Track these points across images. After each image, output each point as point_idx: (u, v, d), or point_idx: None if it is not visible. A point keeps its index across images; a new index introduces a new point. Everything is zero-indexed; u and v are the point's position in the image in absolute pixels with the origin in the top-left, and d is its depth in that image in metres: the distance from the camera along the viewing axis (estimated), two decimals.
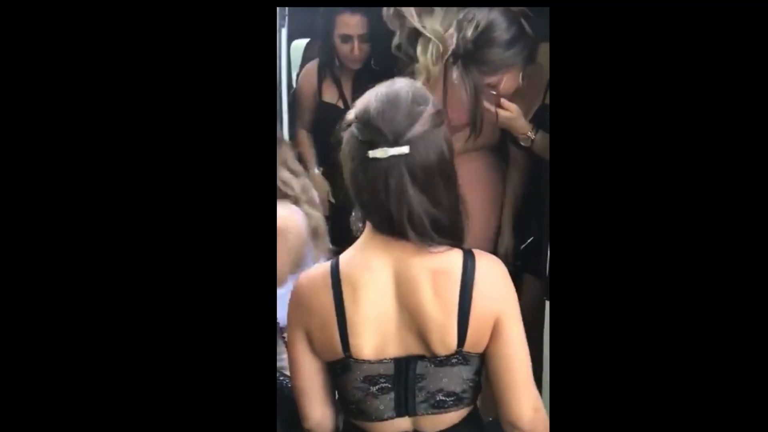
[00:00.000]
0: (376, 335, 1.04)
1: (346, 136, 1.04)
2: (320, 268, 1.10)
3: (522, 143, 1.78)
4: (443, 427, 1.07)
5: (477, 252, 1.05)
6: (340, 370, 1.07)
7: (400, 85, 1.03)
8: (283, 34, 2.30)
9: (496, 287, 1.03)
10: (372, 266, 1.05)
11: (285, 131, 2.29)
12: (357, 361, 1.04)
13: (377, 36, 2.17)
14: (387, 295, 1.04)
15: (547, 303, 1.57)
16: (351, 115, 1.04)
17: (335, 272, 1.06)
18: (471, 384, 1.06)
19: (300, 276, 1.12)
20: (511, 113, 1.72)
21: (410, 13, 1.96)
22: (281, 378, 1.36)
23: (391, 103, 1.00)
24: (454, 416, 1.07)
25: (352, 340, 1.04)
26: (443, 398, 1.05)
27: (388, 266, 1.04)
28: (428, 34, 1.93)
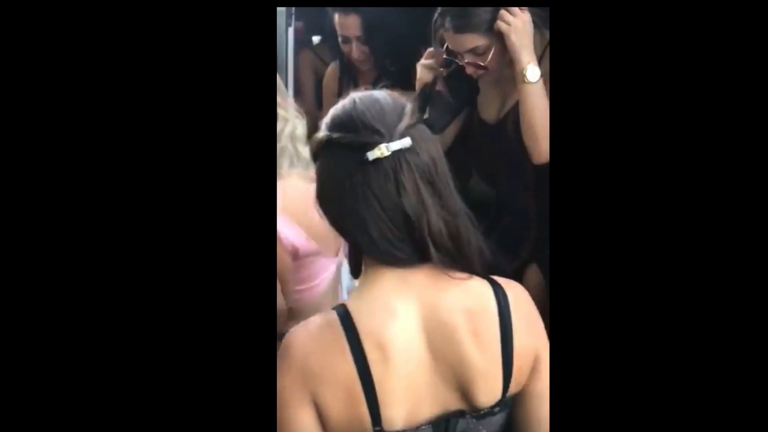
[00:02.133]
0: (409, 398, 0.87)
1: (320, 162, 0.91)
2: (322, 321, 0.90)
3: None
4: None
5: (501, 281, 0.93)
6: None
7: (370, 91, 0.94)
8: (289, 34, 2.27)
9: (531, 320, 0.93)
10: (396, 312, 0.87)
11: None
12: None
13: (375, 36, 2.11)
14: (418, 346, 0.87)
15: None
16: (322, 132, 0.91)
17: (349, 326, 0.86)
18: (505, 427, 0.94)
19: (294, 332, 0.91)
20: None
21: None
22: None
23: (372, 101, 0.90)
24: None
25: (384, 412, 0.86)
26: None
27: (414, 309, 0.88)
28: None
